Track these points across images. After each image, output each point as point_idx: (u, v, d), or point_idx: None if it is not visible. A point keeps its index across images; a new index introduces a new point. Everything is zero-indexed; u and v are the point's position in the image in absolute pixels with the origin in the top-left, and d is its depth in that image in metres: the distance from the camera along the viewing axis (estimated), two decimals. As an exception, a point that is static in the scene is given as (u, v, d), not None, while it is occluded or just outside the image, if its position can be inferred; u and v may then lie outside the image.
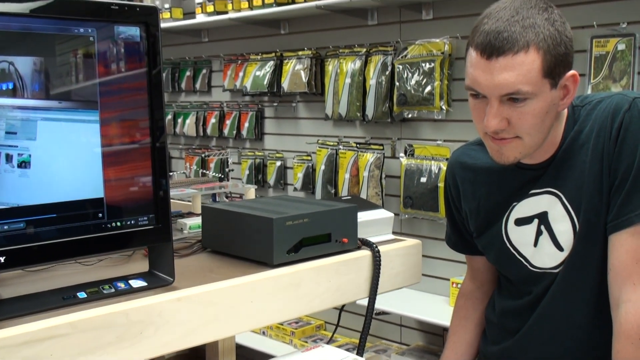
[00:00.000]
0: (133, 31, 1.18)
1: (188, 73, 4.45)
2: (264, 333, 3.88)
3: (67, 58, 1.11)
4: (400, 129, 3.38)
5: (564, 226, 1.42)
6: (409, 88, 3.17)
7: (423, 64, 3.12)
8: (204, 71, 4.38)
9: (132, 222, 1.20)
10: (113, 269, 1.35)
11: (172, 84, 4.55)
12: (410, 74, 3.16)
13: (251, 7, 3.66)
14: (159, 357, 1.17)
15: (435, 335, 3.36)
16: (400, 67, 3.20)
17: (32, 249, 1.07)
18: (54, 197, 1.10)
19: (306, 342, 3.68)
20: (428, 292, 3.29)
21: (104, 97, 1.14)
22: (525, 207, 1.47)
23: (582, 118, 1.41)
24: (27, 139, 1.06)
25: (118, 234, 1.18)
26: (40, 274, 1.30)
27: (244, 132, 4.10)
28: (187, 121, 4.43)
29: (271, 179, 3.96)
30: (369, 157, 3.40)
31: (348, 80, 3.43)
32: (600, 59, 2.53)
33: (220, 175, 1.96)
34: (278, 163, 3.94)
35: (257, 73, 3.87)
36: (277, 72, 3.80)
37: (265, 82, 3.81)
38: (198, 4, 4.00)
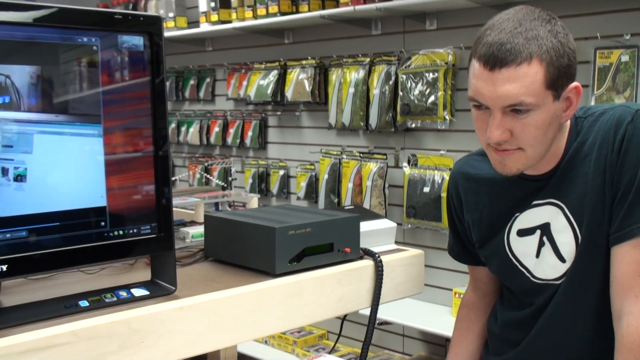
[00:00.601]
0: (136, 40, 1.18)
1: (192, 82, 4.46)
2: (266, 342, 3.87)
3: (71, 67, 1.12)
4: (403, 139, 3.39)
5: (566, 237, 1.42)
6: (412, 98, 3.17)
7: (427, 74, 3.12)
8: (208, 80, 4.39)
9: (135, 230, 1.20)
10: (115, 277, 1.35)
11: (175, 92, 4.56)
12: (413, 84, 3.17)
13: (255, 17, 3.68)
14: (161, 366, 1.17)
15: (437, 345, 3.35)
16: (404, 77, 3.21)
17: (34, 257, 1.07)
18: (54, 205, 1.10)
19: (308, 351, 3.67)
20: (431, 302, 3.29)
21: (107, 106, 1.15)
22: (528, 218, 1.47)
23: (584, 130, 1.41)
24: (23, 153, 1.06)
25: (120, 243, 1.18)
26: (42, 283, 1.30)
27: (248, 141, 4.10)
28: (191, 130, 4.44)
29: (274, 188, 3.96)
30: (372, 166, 3.40)
31: (352, 90, 3.44)
32: (604, 70, 2.53)
33: (223, 184, 1.96)
34: (281, 172, 3.94)
35: (260, 82, 3.88)
36: (281, 81, 3.81)
37: (268, 91, 3.82)
38: (202, 13, 4.02)
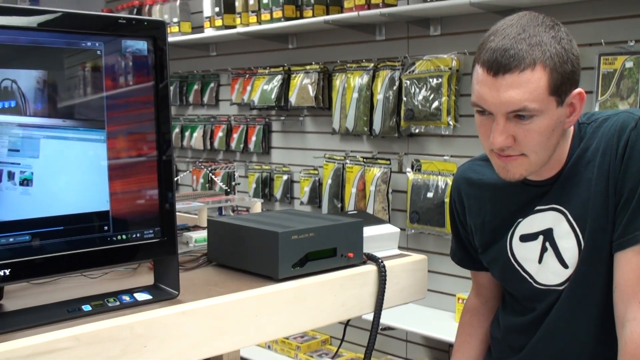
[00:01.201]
0: (140, 45, 1.18)
1: (196, 87, 4.47)
2: (269, 347, 3.87)
3: (75, 72, 1.12)
4: (407, 144, 3.39)
5: (569, 243, 1.41)
6: (416, 103, 3.17)
7: (430, 80, 3.12)
8: (212, 85, 4.39)
9: (138, 235, 1.20)
10: (118, 281, 1.35)
11: (179, 97, 4.57)
12: (417, 89, 3.17)
13: (259, 22, 3.68)
14: (163, 370, 1.17)
15: (440, 351, 3.35)
16: (408, 82, 3.21)
17: (37, 261, 1.07)
18: (58, 209, 1.10)
19: (311, 356, 3.67)
20: (434, 307, 3.28)
21: (110, 110, 1.15)
22: (531, 223, 1.47)
23: (588, 135, 1.41)
24: (29, 157, 1.06)
25: (123, 247, 1.18)
26: (45, 287, 1.30)
27: (251, 146, 4.11)
28: (195, 134, 4.45)
29: (278, 192, 3.97)
30: (376, 171, 3.40)
31: (355, 95, 3.44)
32: (608, 76, 2.53)
33: (226, 188, 1.96)
34: (285, 177, 3.94)
35: (264, 87, 3.88)
36: (285, 86, 3.82)
37: (272, 96, 3.82)
38: (206, 18, 4.03)
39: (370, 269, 1.53)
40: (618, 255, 1.34)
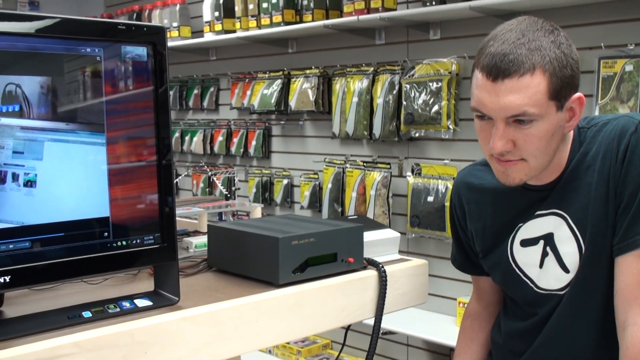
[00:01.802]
0: (140, 51, 1.18)
1: (196, 91, 4.47)
2: (270, 352, 3.86)
3: (74, 78, 1.12)
4: (407, 148, 3.38)
5: (569, 248, 1.41)
6: (416, 107, 3.17)
7: (430, 84, 3.12)
8: (212, 89, 4.39)
9: (138, 241, 1.20)
10: (118, 288, 1.34)
11: (179, 101, 4.57)
12: (417, 93, 3.17)
13: (259, 26, 3.69)
14: (163, 377, 1.17)
15: (441, 355, 3.34)
16: (408, 86, 3.21)
17: (37, 268, 1.07)
18: (59, 216, 1.10)
19: (312, 361, 3.66)
20: (435, 311, 3.28)
21: (110, 116, 1.15)
22: (531, 228, 1.47)
23: (588, 140, 1.41)
24: (33, 159, 1.07)
25: (123, 253, 1.18)
26: (45, 293, 1.30)
27: (251, 150, 4.10)
28: (195, 139, 4.45)
29: (278, 197, 3.96)
30: (376, 175, 3.40)
31: (355, 99, 3.44)
32: (608, 80, 2.53)
33: (226, 193, 1.96)
34: (285, 181, 3.94)
35: (264, 91, 3.88)
36: (285, 90, 3.82)
37: (272, 101, 3.82)
38: (206, 22, 4.03)
39: (371, 274, 1.53)
40: (618, 259, 1.34)
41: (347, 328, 1.59)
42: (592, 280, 1.39)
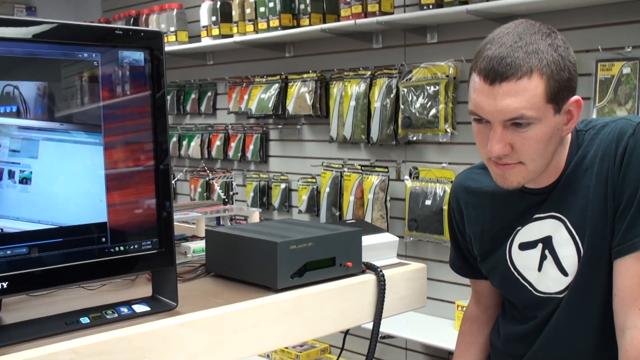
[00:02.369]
0: (137, 56, 1.18)
1: (193, 96, 4.47)
2: (268, 357, 3.85)
3: (71, 82, 1.12)
4: (404, 152, 3.38)
5: (568, 251, 1.41)
6: (413, 111, 3.17)
7: (428, 87, 3.12)
8: (209, 94, 4.39)
9: (136, 246, 1.20)
10: (116, 293, 1.34)
11: (177, 106, 4.57)
12: (415, 97, 3.17)
13: (256, 31, 3.69)
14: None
15: (440, 358, 3.34)
16: (405, 90, 3.21)
17: (35, 274, 1.06)
18: (55, 215, 1.10)
19: (311, 365, 3.66)
20: (433, 315, 3.28)
21: (107, 121, 1.14)
22: (530, 231, 1.47)
23: (586, 142, 1.40)
24: (29, 157, 1.07)
25: (121, 259, 1.17)
26: (43, 299, 1.29)
27: (249, 155, 4.10)
28: (192, 143, 4.44)
29: (276, 201, 3.96)
30: (374, 179, 3.40)
31: (353, 103, 3.44)
32: (605, 82, 2.53)
33: (224, 197, 1.96)
34: (283, 185, 3.94)
35: (262, 96, 3.88)
36: (282, 94, 3.82)
37: (270, 105, 3.82)
38: (203, 27, 4.03)
39: (369, 278, 1.52)
40: (617, 262, 1.34)
41: (346, 332, 1.59)
42: (591, 283, 1.39)
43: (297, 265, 1.40)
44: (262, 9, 3.62)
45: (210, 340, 1.22)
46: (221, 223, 1.91)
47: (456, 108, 3.12)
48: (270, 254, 1.38)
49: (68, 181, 1.12)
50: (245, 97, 4.02)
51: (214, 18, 3.94)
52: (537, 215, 1.45)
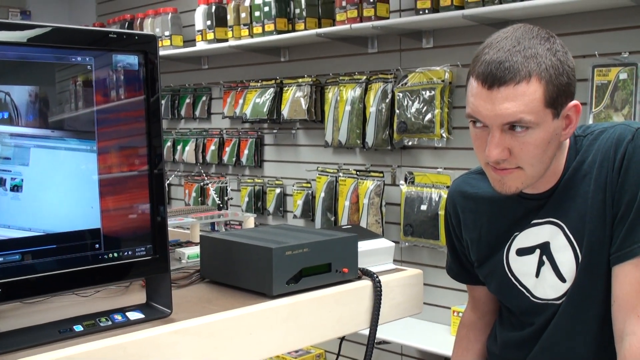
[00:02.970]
0: (131, 60, 1.17)
1: (188, 100, 4.46)
2: (263, 362, 3.83)
3: (64, 87, 1.11)
4: (400, 157, 3.38)
5: (566, 257, 1.40)
6: (409, 116, 3.16)
7: (423, 92, 3.12)
8: (204, 98, 4.38)
9: (130, 252, 1.18)
10: (110, 300, 1.32)
11: (171, 111, 4.55)
12: (410, 102, 3.16)
13: (251, 35, 3.68)
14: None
15: (436, 364, 3.32)
16: (401, 94, 3.20)
17: (28, 281, 1.05)
18: (47, 222, 1.08)
19: (306, 371, 3.64)
20: (429, 320, 3.26)
21: (101, 125, 1.13)
22: (527, 237, 1.45)
23: (584, 148, 1.39)
24: (20, 165, 1.06)
25: (115, 266, 1.16)
26: (36, 306, 1.28)
27: (244, 159, 4.09)
28: (187, 148, 4.43)
29: (271, 206, 3.94)
30: (369, 184, 3.39)
31: (348, 108, 3.43)
32: (602, 88, 2.53)
33: (219, 202, 1.94)
34: (277, 190, 3.93)
35: (257, 100, 3.87)
36: (277, 99, 3.81)
37: (265, 109, 3.81)
38: (198, 31, 4.02)
39: (366, 284, 1.51)
40: (616, 268, 1.33)
41: (342, 338, 1.58)
42: (589, 289, 1.38)
43: (293, 272, 1.39)
44: (257, 13, 3.61)
45: (205, 348, 1.20)
46: (216, 228, 1.89)
47: (452, 113, 3.11)
48: (265, 260, 1.36)
49: (60, 188, 1.10)
50: (240, 101, 4.00)
51: (208, 22, 3.93)
52: (534, 221, 1.44)
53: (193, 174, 4.47)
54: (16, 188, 1.06)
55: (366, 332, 1.51)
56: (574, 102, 1.32)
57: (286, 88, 3.76)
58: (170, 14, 4.27)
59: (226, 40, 3.86)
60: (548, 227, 1.42)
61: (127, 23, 4.54)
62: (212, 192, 2.10)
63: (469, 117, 1.34)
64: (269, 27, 3.55)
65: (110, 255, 1.16)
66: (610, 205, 1.34)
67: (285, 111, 3.74)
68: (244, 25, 3.71)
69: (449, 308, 3.13)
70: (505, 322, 1.59)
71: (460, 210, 1.57)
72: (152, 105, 1.19)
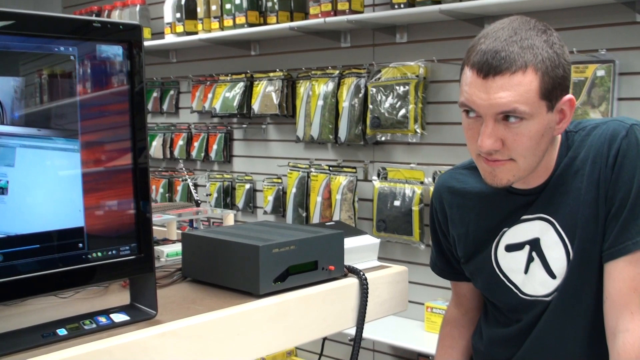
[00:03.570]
0: (116, 50, 1.12)
1: (155, 94, 4.37)
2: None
3: (46, 78, 1.05)
4: (372, 152, 3.35)
5: (557, 253, 1.38)
6: (382, 111, 3.14)
7: (397, 87, 3.09)
8: (172, 92, 4.30)
9: (114, 252, 1.13)
10: (91, 301, 1.27)
11: (138, 105, 4.46)
12: (384, 97, 3.14)
13: (222, 28, 3.61)
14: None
15: (409, 360, 3.32)
16: (374, 89, 3.17)
17: (9, 283, 0.99)
18: (32, 225, 1.03)
19: (277, 369, 3.60)
20: (402, 316, 3.24)
21: (84, 119, 1.08)
22: (516, 233, 1.44)
23: (576, 144, 1.38)
24: (5, 165, 1.00)
25: (99, 266, 1.11)
26: (15, 309, 1.21)
27: (212, 155, 4.03)
28: (154, 143, 4.34)
29: (240, 202, 3.89)
30: (342, 180, 3.36)
31: (321, 103, 3.40)
32: (579, 84, 2.53)
33: (198, 199, 1.89)
34: (247, 186, 3.88)
35: (226, 94, 3.81)
36: (248, 93, 3.75)
37: (235, 104, 3.75)
38: (167, 24, 3.94)
39: (352, 282, 1.48)
40: (609, 265, 1.32)
41: (324, 337, 1.54)
42: (580, 285, 1.36)
43: (280, 270, 1.35)
44: (228, 6, 3.55)
45: (192, 350, 1.16)
46: (194, 226, 1.84)
47: (426, 108, 3.09)
48: (252, 258, 1.32)
49: (45, 187, 1.04)
50: (210, 95, 3.94)
51: (178, 15, 3.85)
52: (524, 217, 1.42)
53: (160, 169, 4.39)
54: (1, 190, 1.00)
55: (349, 331, 1.48)
56: (569, 96, 1.31)
57: (257, 82, 3.71)
58: (138, 5, 4.17)
59: (196, 33, 3.79)
60: (538, 223, 1.40)
61: (94, 15, 4.44)
62: (193, 191, 2.03)
63: (463, 107, 1.31)
64: (240, 20, 3.49)
65: (94, 254, 1.10)
66: (603, 201, 1.32)
67: (255, 106, 3.69)
68: (215, 18, 3.65)
69: (423, 304, 3.12)
70: (490, 318, 1.57)
71: (447, 205, 1.55)
72: (136, 98, 1.14)
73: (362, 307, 1.49)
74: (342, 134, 3.32)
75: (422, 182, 3.12)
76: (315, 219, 3.47)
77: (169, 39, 3.92)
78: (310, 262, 1.42)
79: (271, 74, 3.65)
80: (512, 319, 1.50)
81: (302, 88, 3.51)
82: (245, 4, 3.47)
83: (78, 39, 1.07)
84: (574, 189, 1.36)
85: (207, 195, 1.80)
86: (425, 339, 3.06)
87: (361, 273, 1.50)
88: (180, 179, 4.16)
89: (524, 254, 1.43)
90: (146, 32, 4.20)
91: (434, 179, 3.08)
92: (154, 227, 1.93)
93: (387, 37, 3.21)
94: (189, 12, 3.82)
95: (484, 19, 2.77)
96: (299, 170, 3.58)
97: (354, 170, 3.35)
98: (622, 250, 1.30)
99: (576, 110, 2.52)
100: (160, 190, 4.30)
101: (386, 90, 3.13)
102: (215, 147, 4.01)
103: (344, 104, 3.30)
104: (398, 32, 3.16)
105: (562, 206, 1.37)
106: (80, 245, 1.09)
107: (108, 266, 1.12)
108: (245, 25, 3.48)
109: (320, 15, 3.16)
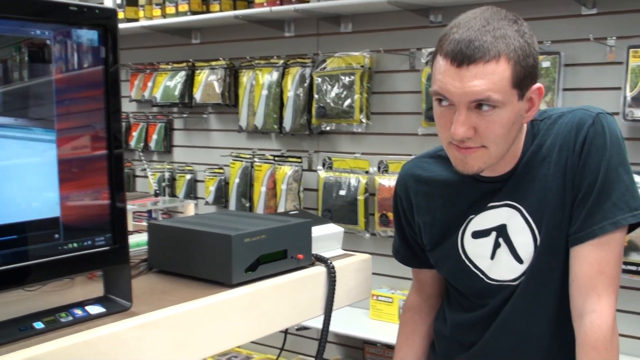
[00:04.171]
0: (91, 35, 1.08)
1: (90, 82, 4.26)
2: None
3: (20, 64, 1.01)
4: (317, 142, 3.36)
5: (524, 239, 1.42)
6: (328, 101, 3.14)
7: (343, 77, 3.10)
8: (109, 81, 4.19)
9: (90, 242, 1.10)
10: (61, 293, 1.23)
11: (72, 93, 4.34)
12: (329, 87, 3.14)
13: (164, 15, 3.54)
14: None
15: (354, 348, 3.34)
16: (319, 79, 3.18)
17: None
18: (7, 216, 0.99)
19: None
20: (347, 305, 3.26)
21: (60, 106, 1.04)
22: (483, 220, 1.46)
23: (542, 132, 1.41)
24: None
25: (75, 257, 1.07)
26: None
27: (152, 144, 3.95)
28: (90, 133, 4.23)
29: (181, 192, 3.84)
30: (287, 170, 3.35)
31: (265, 92, 3.38)
32: (525, 74, 2.59)
33: (156, 189, 1.85)
34: (188, 176, 3.83)
35: (167, 83, 3.75)
36: (189, 82, 3.70)
37: (176, 93, 3.69)
38: (105, 10, 3.83)
39: (320, 270, 1.48)
40: (575, 249, 1.36)
41: (286, 331, 1.54)
42: (547, 269, 1.40)
43: (251, 259, 1.34)
44: (169, -7, 3.49)
45: (171, 341, 1.14)
46: (153, 216, 1.80)
47: (371, 98, 3.11)
48: (224, 248, 1.31)
49: (20, 178, 1.00)
50: (149, 84, 3.87)
51: (119, 1, 3.76)
52: (491, 204, 1.45)
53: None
54: None
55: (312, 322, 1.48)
56: (538, 85, 1.34)
57: (198, 71, 3.67)
58: (73, -9, 4.05)
59: (137, 19, 3.71)
60: (505, 209, 1.43)
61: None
62: (151, 181, 1.99)
63: (436, 95, 1.32)
64: (183, 7, 3.44)
65: (70, 245, 1.07)
66: (570, 187, 1.36)
67: (197, 95, 3.64)
68: (157, 4, 3.58)
69: (369, 292, 3.14)
70: (454, 304, 1.60)
71: (412, 193, 1.56)
72: (111, 84, 1.11)
73: (330, 295, 1.49)
74: (287, 123, 3.32)
75: (367, 172, 3.15)
76: (260, 209, 3.46)
77: (107, 25, 3.82)
78: (280, 251, 1.41)
79: (213, 63, 3.60)
80: (477, 304, 1.52)
81: (245, 77, 3.48)
82: (187, -9, 3.42)
83: (54, 22, 1.03)
84: (541, 176, 1.39)
85: (165, 185, 1.76)
86: (370, 327, 3.09)
87: (329, 261, 1.50)
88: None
89: (490, 240, 1.46)
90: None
91: (379, 168, 3.11)
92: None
93: (332, 27, 3.21)
94: (130, -2, 3.74)
95: (429, 9, 2.80)
96: (242, 160, 3.56)
97: (299, 160, 3.35)
98: (589, 235, 1.34)
99: (522, 101, 2.59)
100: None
101: (332, 80, 3.14)
102: (155, 136, 3.94)
103: (289, 94, 3.29)
104: (343, 22, 3.17)
105: (528, 193, 1.41)
106: (57, 236, 1.05)
107: (83, 257, 1.09)
108: (188, 13, 3.43)
109: (265, 4, 3.14)
